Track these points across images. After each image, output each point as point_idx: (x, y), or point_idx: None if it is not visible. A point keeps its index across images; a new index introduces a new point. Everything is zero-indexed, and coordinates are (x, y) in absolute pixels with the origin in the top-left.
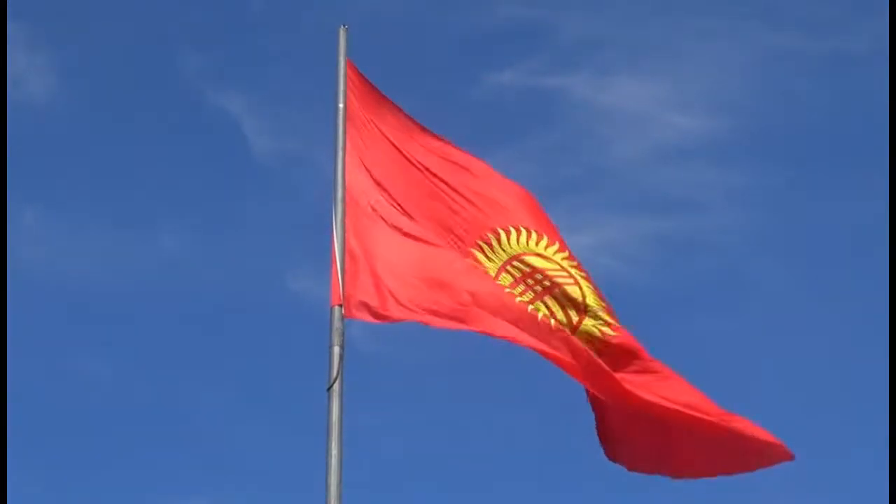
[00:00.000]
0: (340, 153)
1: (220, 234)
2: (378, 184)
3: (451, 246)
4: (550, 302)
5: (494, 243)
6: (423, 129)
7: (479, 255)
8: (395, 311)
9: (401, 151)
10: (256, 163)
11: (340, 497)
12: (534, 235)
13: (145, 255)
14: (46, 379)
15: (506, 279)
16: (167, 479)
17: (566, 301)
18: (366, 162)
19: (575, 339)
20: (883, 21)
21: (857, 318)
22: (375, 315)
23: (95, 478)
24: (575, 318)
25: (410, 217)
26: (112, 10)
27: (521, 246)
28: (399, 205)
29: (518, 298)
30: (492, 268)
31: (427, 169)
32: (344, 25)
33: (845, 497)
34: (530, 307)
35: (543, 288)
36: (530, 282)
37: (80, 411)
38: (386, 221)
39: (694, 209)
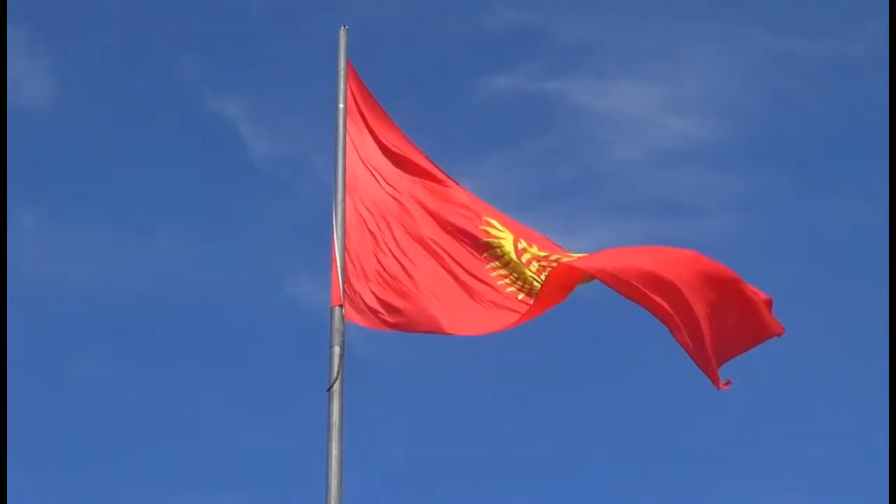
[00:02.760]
0: (341, 153)
1: (218, 238)
2: (378, 181)
3: (458, 238)
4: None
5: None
6: (407, 138)
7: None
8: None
9: (398, 151)
10: (254, 167)
11: (340, 497)
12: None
13: (144, 258)
14: (46, 381)
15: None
16: (168, 481)
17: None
18: (366, 159)
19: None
20: (880, 24)
21: (857, 319)
22: (373, 322)
23: (96, 479)
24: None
25: (413, 216)
26: (111, 15)
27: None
28: (401, 201)
29: (502, 281)
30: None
31: (422, 170)
32: (344, 26)
33: (845, 497)
34: (511, 289)
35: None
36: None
37: (80, 413)
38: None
39: (692, 212)
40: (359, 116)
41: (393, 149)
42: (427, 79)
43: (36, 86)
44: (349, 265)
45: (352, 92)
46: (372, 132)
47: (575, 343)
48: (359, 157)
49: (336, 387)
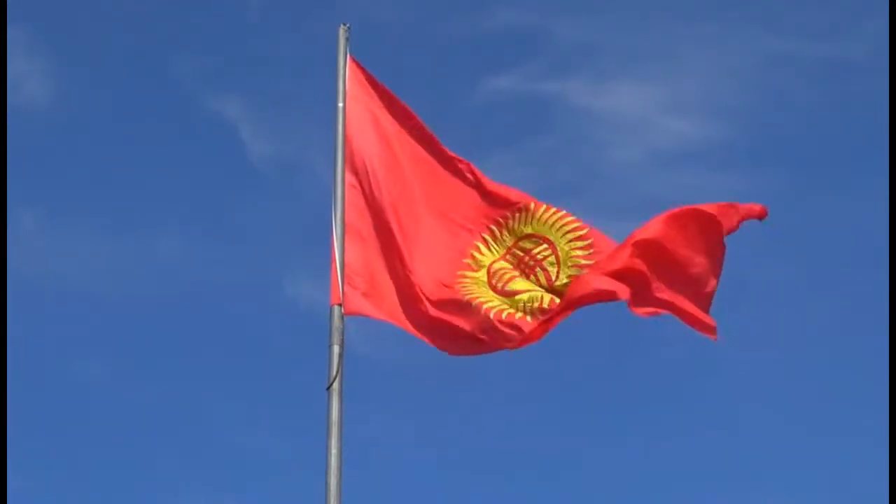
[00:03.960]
0: (340, 153)
1: (217, 238)
2: (378, 172)
3: (457, 234)
4: (533, 279)
5: (497, 232)
6: (422, 125)
7: (482, 247)
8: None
9: (406, 142)
10: (254, 167)
11: (340, 496)
12: (524, 213)
13: (144, 258)
14: (45, 381)
15: (505, 265)
16: (167, 480)
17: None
18: (369, 149)
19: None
20: (880, 25)
21: (856, 320)
22: (374, 311)
23: (95, 479)
24: (554, 277)
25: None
26: (111, 15)
27: (518, 231)
28: (402, 197)
29: (486, 305)
30: (490, 257)
31: (430, 160)
32: (344, 24)
33: (845, 497)
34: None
35: (528, 268)
36: (521, 265)
37: (80, 413)
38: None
39: None
40: (362, 106)
41: (389, 148)
42: (426, 79)
43: (36, 86)
44: (351, 263)
45: (355, 83)
46: (374, 125)
47: (576, 343)
48: (361, 145)
49: (336, 385)
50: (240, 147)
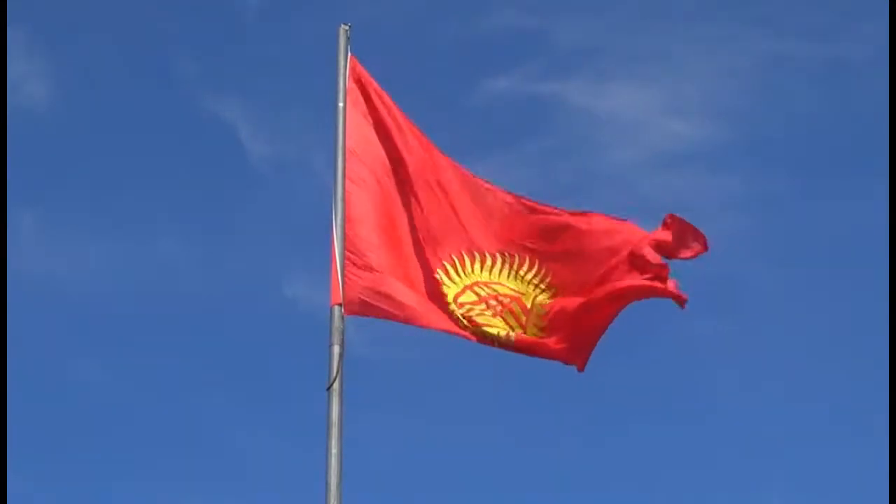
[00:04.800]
0: (340, 153)
1: (217, 239)
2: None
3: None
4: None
5: (459, 267)
6: (421, 133)
7: (448, 271)
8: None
9: (400, 146)
10: (253, 168)
11: (340, 497)
12: (498, 261)
13: (143, 259)
14: (45, 383)
15: (468, 297)
16: (168, 480)
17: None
18: (388, 143)
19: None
20: (880, 27)
21: (855, 322)
22: (375, 311)
23: (95, 480)
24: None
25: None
26: (110, 16)
27: (485, 274)
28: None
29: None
30: (454, 289)
31: (420, 173)
32: (345, 24)
33: (845, 497)
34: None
35: (503, 305)
36: (492, 302)
37: (79, 415)
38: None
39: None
40: (363, 104)
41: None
42: (426, 80)
43: (35, 86)
44: (350, 258)
45: (356, 83)
46: (373, 125)
47: None
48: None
49: (336, 386)
50: (239, 148)
